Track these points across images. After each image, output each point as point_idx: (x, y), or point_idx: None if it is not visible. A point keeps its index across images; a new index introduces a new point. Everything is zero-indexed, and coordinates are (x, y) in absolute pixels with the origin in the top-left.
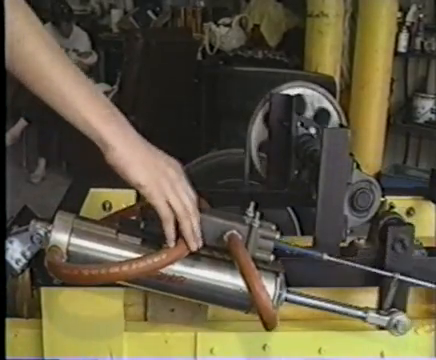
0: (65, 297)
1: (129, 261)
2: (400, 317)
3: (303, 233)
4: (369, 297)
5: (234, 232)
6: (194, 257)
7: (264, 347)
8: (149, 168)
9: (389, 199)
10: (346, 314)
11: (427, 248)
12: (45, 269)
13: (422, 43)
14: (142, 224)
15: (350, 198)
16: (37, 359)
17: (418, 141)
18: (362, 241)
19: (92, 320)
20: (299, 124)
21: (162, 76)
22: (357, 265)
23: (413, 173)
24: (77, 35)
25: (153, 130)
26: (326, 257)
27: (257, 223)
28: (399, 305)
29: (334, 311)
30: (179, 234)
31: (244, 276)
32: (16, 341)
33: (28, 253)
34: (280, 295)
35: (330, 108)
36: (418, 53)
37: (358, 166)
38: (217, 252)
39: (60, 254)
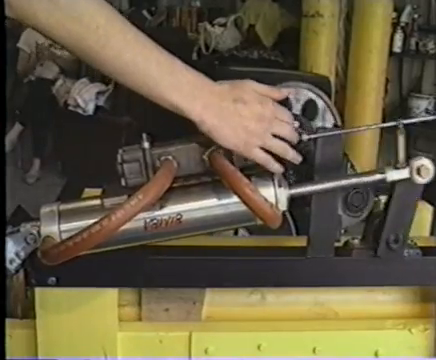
0: (59, 297)
1: (107, 215)
2: (421, 161)
3: (298, 233)
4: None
5: (213, 148)
6: (183, 191)
7: (259, 347)
8: (237, 130)
9: (383, 199)
10: (364, 183)
11: (422, 248)
12: (39, 269)
13: (417, 43)
14: (123, 181)
15: (344, 198)
16: (36, 359)
17: (413, 141)
18: (356, 241)
19: (86, 320)
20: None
21: None
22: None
23: None
24: None
25: (148, 130)
26: (305, 137)
27: None
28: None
29: (350, 185)
30: (154, 170)
31: (231, 186)
32: (10, 342)
33: (22, 253)
34: (281, 192)
35: (325, 108)
36: (413, 53)
37: (352, 166)
38: (205, 177)
39: (53, 242)
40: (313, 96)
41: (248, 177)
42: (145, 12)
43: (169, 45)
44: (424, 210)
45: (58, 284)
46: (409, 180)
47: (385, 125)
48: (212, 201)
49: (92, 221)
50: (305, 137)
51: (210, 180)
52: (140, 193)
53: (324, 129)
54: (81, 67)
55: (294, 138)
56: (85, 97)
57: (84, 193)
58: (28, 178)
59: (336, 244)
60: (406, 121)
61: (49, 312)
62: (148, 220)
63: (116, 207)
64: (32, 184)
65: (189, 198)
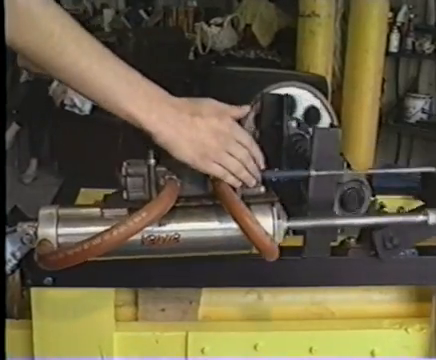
0: (55, 297)
1: (109, 229)
2: None
3: (295, 233)
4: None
5: None
6: (184, 211)
7: (255, 347)
8: (193, 144)
9: (379, 198)
10: (404, 222)
11: (418, 247)
12: (35, 269)
13: (413, 43)
14: (125, 194)
15: (340, 197)
16: (37, 359)
17: (409, 141)
18: (353, 240)
19: (82, 320)
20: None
21: (154, 76)
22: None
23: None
24: None
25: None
26: (314, 173)
27: None
28: None
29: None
30: (159, 190)
31: (232, 214)
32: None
33: (18, 253)
34: (280, 225)
35: (321, 108)
36: (409, 53)
37: (348, 166)
38: (206, 199)
39: (50, 246)
40: (316, 102)
41: (248, 205)
42: (142, 12)
43: (166, 45)
44: None
45: (54, 284)
46: None
47: None
48: (211, 224)
49: (90, 229)
50: (262, 189)
51: (211, 203)
52: (144, 211)
53: (321, 129)
54: None
55: (247, 163)
56: (82, 97)
57: (81, 193)
58: (25, 178)
59: (332, 244)
60: None
61: (45, 312)
62: (146, 235)
63: (119, 222)
64: (28, 184)
65: (188, 218)
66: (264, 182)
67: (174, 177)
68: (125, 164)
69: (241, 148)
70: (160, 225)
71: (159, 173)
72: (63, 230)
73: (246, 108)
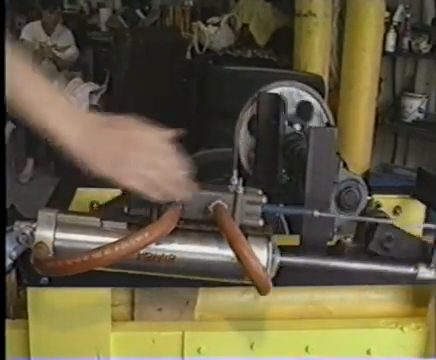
0: (51, 297)
1: (111, 244)
2: None
3: (292, 232)
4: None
5: (219, 202)
6: (182, 233)
7: (252, 346)
8: (110, 158)
9: (376, 198)
10: (395, 275)
11: None
12: (31, 269)
13: (410, 43)
14: (126, 208)
15: (337, 197)
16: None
17: (406, 140)
18: (349, 240)
19: (79, 320)
20: (286, 123)
21: (151, 75)
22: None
23: (401, 172)
24: (60, 32)
25: None
26: (317, 213)
27: (241, 190)
28: None
29: (374, 271)
30: (160, 210)
31: (231, 244)
32: None
33: (14, 253)
34: (274, 259)
35: (318, 107)
36: (406, 53)
37: (345, 165)
38: (205, 225)
39: (46, 250)
40: (308, 97)
41: (245, 236)
42: (138, 11)
43: (163, 44)
44: (416, 209)
45: (50, 284)
46: None
47: None
48: (206, 249)
49: (88, 238)
50: (260, 222)
51: (209, 230)
52: (146, 231)
53: (317, 128)
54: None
55: (171, 174)
56: (78, 96)
57: (77, 193)
58: (21, 178)
59: (329, 243)
60: None
61: (41, 312)
62: (142, 252)
63: (121, 239)
64: (25, 184)
65: (186, 241)
66: (263, 215)
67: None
68: None
69: (163, 158)
70: (157, 244)
71: None
72: (60, 235)
73: (173, 132)
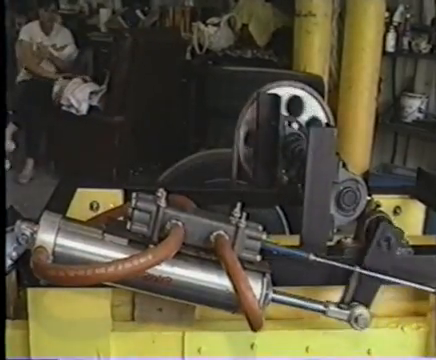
0: (51, 298)
1: (115, 262)
2: (361, 311)
3: (291, 232)
4: None
5: (221, 232)
6: (181, 257)
7: (252, 346)
8: None
9: (376, 198)
10: (306, 308)
11: (414, 247)
12: (31, 270)
13: (410, 43)
14: (128, 224)
15: (336, 197)
16: (34, 359)
17: (406, 140)
18: (349, 240)
19: (79, 320)
20: (286, 123)
21: (151, 76)
22: (340, 265)
23: (401, 172)
24: (58, 31)
25: (142, 130)
26: (312, 257)
27: (243, 223)
28: (365, 300)
29: (295, 305)
30: (165, 234)
31: (230, 277)
32: None
33: (14, 254)
34: (267, 295)
35: (318, 107)
36: (406, 53)
37: (344, 165)
38: (204, 252)
39: (46, 255)
40: (297, 92)
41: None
42: (138, 12)
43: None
44: (416, 209)
45: (51, 284)
46: None
47: None
48: (204, 276)
49: (88, 248)
50: (258, 258)
51: (208, 257)
52: (150, 253)
53: (316, 124)
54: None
55: None
56: (78, 97)
57: (77, 193)
58: (21, 178)
59: (328, 243)
60: (363, 271)
61: (41, 312)
62: None
63: (125, 259)
64: (25, 184)
65: (184, 265)
66: (261, 251)
67: (180, 224)
68: (135, 195)
69: None
70: None
71: (166, 216)
72: (62, 241)
73: None
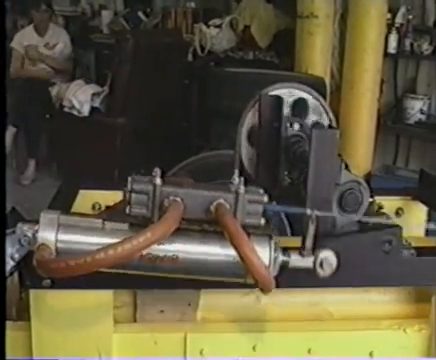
0: (54, 299)
1: (114, 245)
2: (325, 254)
3: (293, 234)
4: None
5: (221, 201)
6: (184, 233)
7: (254, 348)
8: None
9: (378, 199)
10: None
11: (416, 248)
12: (34, 271)
13: (412, 44)
14: (127, 209)
15: (339, 199)
16: (36, 359)
17: (408, 142)
18: None
19: (81, 322)
20: (288, 125)
21: (153, 77)
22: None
23: (403, 173)
24: (54, 32)
25: (144, 131)
26: (309, 211)
27: (243, 189)
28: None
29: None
30: (162, 210)
31: (233, 243)
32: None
33: (16, 255)
34: (276, 258)
35: (320, 109)
36: (408, 54)
37: (347, 167)
38: (207, 225)
39: (49, 252)
40: (304, 94)
41: (247, 235)
42: (140, 13)
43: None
44: (418, 210)
45: (53, 286)
46: None
47: None
48: (209, 249)
49: (90, 239)
50: (262, 221)
51: (211, 229)
52: (149, 231)
53: (319, 126)
54: (75, 66)
55: None
56: (80, 98)
57: (79, 194)
58: (23, 180)
59: None
60: (317, 213)
61: (44, 314)
62: (144, 252)
63: (124, 240)
64: (27, 186)
65: (188, 241)
66: (264, 215)
67: (178, 199)
68: (131, 179)
69: None
70: (159, 244)
71: (164, 193)
72: (63, 237)
73: None
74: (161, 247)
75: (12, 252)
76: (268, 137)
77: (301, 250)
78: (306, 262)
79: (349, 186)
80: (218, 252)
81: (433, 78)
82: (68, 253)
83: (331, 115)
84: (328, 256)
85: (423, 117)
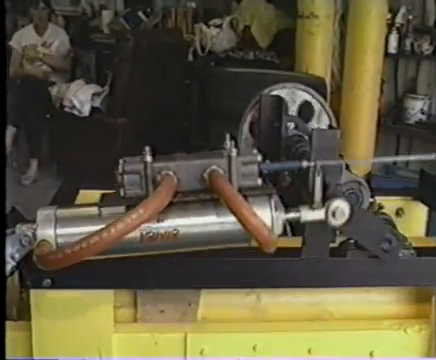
0: (54, 299)
1: (107, 227)
2: (337, 203)
3: (294, 234)
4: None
5: (214, 168)
6: (181, 206)
7: (254, 348)
8: None
9: (378, 199)
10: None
11: (416, 248)
12: (34, 271)
13: (412, 44)
14: (122, 191)
15: None
16: (36, 359)
17: (408, 142)
18: (352, 241)
19: (81, 322)
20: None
21: (153, 77)
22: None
23: (403, 173)
24: (53, 31)
25: (144, 131)
26: (305, 164)
27: (235, 151)
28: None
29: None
30: (156, 186)
31: (230, 207)
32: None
33: (17, 255)
34: (278, 216)
35: (320, 109)
36: (408, 54)
37: (347, 167)
38: (203, 194)
39: (49, 247)
40: (309, 98)
41: (245, 198)
42: (140, 13)
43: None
44: (418, 210)
45: (53, 286)
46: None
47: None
48: (209, 218)
49: (89, 228)
50: (259, 182)
51: (208, 198)
52: (141, 207)
53: (319, 130)
54: (75, 66)
55: None
56: (81, 98)
57: (79, 194)
58: (24, 180)
59: (331, 245)
60: (322, 162)
61: (44, 314)
62: (144, 232)
63: (116, 219)
64: (27, 186)
65: (186, 214)
66: (261, 174)
67: (170, 173)
68: (122, 161)
69: None
70: (158, 221)
71: (155, 169)
72: (62, 231)
73: None
74: (161, 224)
75: (12, 252)
76: (269, 137)
77: (311, 204)
78: (317, 214)
79: (349, 186)
80: (218, 220)
81: (433, 78)
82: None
83: (332, 115)
84: (340, 205)
85: (423, 117)
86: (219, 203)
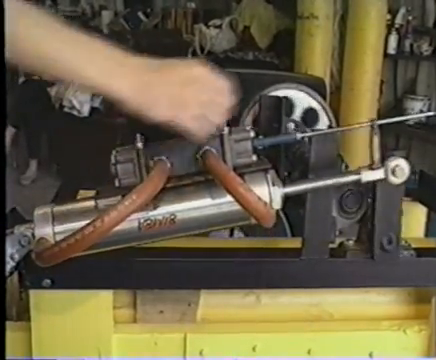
0: (54, 299)
1: (100, 216)
2: (397, 162)
3: (293, 234)
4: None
5: (206, 148)
6: (177, 191)
7: (254, 348)
8: (167, 101)
9: None
10: (341, 183)
11: (416, 249)
12: (33, 271)
13: (411, 45)
14: (117, 182)
15: (339, 199)
16: (36, 359)
17: (408, 142)
18: (351, 242)
19: (81, 322)
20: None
21: None
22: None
23: None
24: None
25: (144, 131)
26: (300, 135)
27: (226, 130)
28: None
29: (313, 190)
30: (148, 170)
31: (225, 186)
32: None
33: (16, 256)
34: (275, 191)
35: (320, 110)
36: (407, 55)
37: (347, 167)
38: (198, 176)
39: (48, 244)
40: (314, 104)
41: (241, 176)
42: (140, 14)
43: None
44: (418, 211)
45: (53, 286)
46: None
47: (360, 126)
48: (206, 201)
49: (86, 222)
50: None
51: (203, 179)
52: (134, 194)
53: (319, 131)
54: None
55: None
56: (80, 99)
57: (79, 195)
58: (23, 180)
59: (331, 245)
60: (380, 122)
61: (44, 314)
62: (142, 220)
63: (109, 208)
64: (27, 186)
65: (183, 198)
66: (255, 150)
67: (163, 158)
68: (114, 152)
69: (222, 96)
70: (155, 208)
71: (148, 156)
72: (59, 227)
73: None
74: (158, 211)
75: (12, 252)
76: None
77: (370, 165)
78: (378, 174)
79: (349, 187)
80: (214, 202)
81: (433, 79)
82: None
83: (331, 116)
84: (400, 163)
85: (423, 118)
86: (214, 183)
